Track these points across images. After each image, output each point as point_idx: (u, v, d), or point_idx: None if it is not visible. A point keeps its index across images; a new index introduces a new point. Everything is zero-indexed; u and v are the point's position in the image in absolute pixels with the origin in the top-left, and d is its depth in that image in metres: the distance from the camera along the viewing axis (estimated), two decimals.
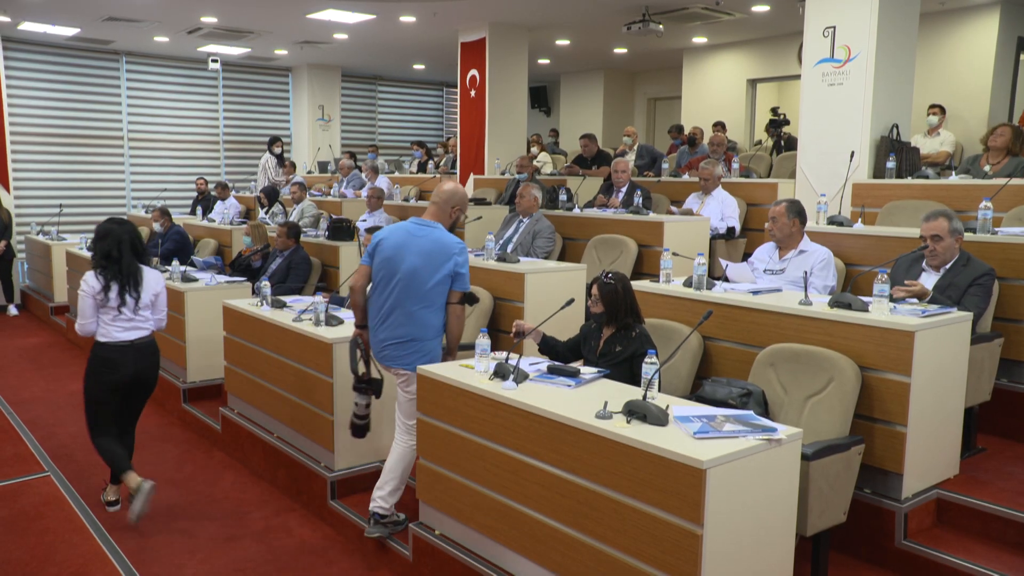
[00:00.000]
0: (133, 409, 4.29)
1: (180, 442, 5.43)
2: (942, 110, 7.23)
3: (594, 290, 3.62)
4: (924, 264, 3.98)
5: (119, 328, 4.06)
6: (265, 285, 4.97)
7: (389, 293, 3.62)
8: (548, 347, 3.85)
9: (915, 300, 3.61)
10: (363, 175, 10.01)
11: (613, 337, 3.60)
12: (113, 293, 4.02)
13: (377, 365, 3.78)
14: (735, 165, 7.34)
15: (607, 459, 2.60)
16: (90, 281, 4.04)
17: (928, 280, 3.91)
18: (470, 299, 3.78)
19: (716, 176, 6.44)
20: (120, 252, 4.05)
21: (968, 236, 4.16)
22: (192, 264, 7.16)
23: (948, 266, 3.90)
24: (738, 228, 6.36)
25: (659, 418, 2.62)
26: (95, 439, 4.19)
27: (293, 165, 11.45)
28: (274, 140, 11.20)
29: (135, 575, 3.66)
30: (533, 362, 3.39)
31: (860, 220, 5.04)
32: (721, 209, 6.33)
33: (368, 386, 3.77)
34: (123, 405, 4.20)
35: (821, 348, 3.32)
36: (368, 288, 3.75)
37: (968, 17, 8.76)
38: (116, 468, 4.14)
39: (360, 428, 3.86)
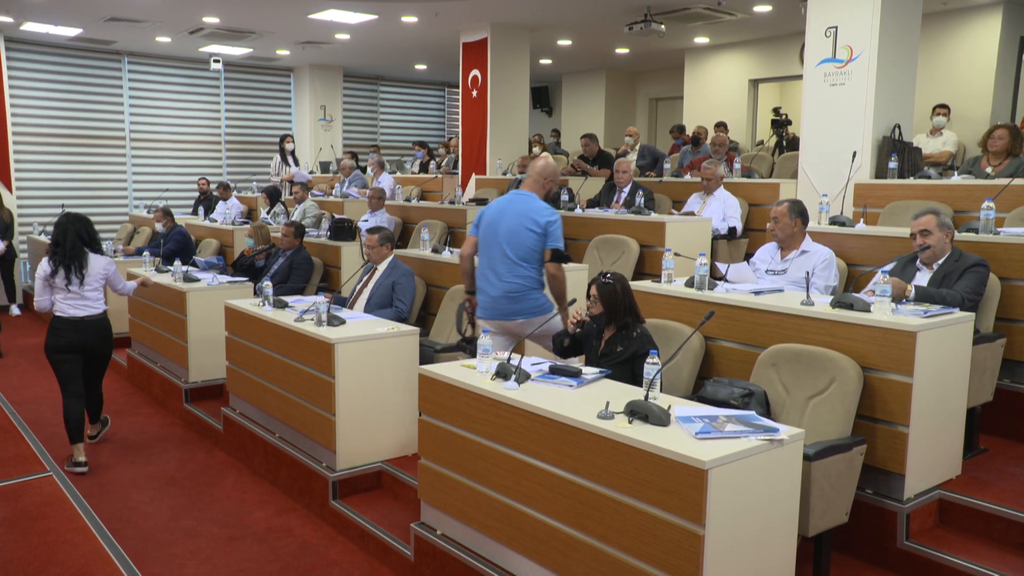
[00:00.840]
0: (93, 372, 5.05)
1: (182, 442, 5.44)
2: (947, 110, 7.21)
3: (592, 291, 3.62)
4: (918, 263, 4.00)
5: (70, 305, 4.78)
6: (267, 285, 4.97)
7: (494, 253, 4.19)
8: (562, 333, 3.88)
9: (905, 300, 3.61)
10: (369, 169, 10.01)
11: (614, 337, 3.60)
12: (60, 276, 4.73)
13: (477, 328, 4.37)
14: (737, 165, 7.34)
15: (609, 459, 2.60)
16: (43, 265, 4.79)
17: (923, 278, 3.93)
18: (561, 256, 4.18)
19: (718, 176, 6.44)
20: (64, 239, 4.74)
21: (970, 236, 4.17)
22: (194, 264, 7.17)
23: (941, 262, 3.93)
24: (739, 228, 6.36)
25: (661, 418, 2.62)
26: (63, 399, 4.90)
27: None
28: (283, 137, 11.16)
29: (137, 575, 3.66)
30: (535, 362, 3.38)
31: (862, 220, 5.04)
32: (723, 209, 6.33)
33: (469, 344, 4.41)
34: (84, 369, 4.94)
35: (823, 348, 3.31)
36: (475, 257, 4.34)
37: (970, 17, 8.75)
38: (69, 437, 4.88)
39: None
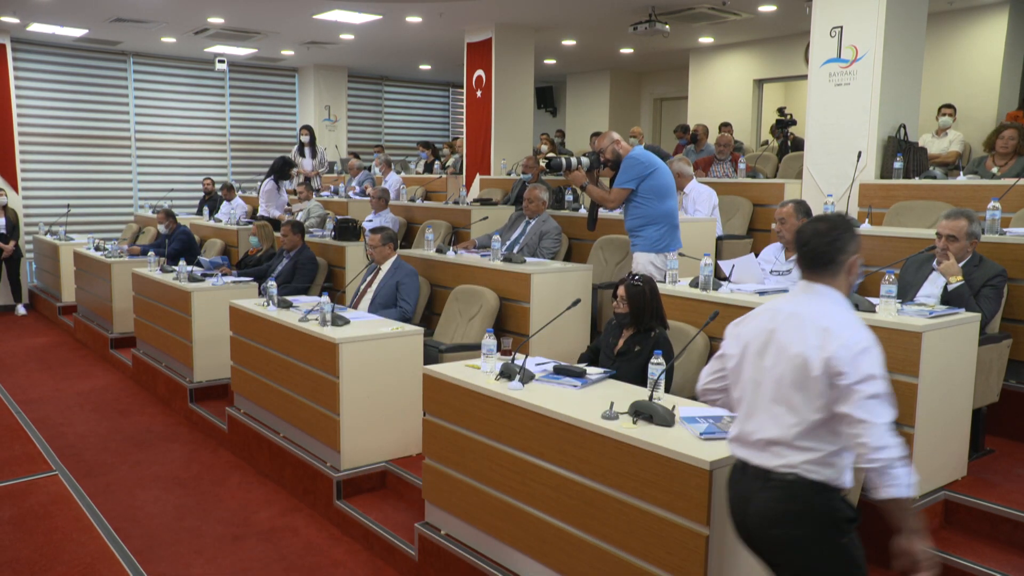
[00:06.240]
0: None
1: (187, 442, 5.45)
2: (954, 110, 7.18)
3: (620, 291, 3.63)
4: (935, 263, 3.94)
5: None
6: (271, 285, 4.98)
7: None
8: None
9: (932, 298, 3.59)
10: (376, 169, 9.99)
11: (633, 337, 3.60)
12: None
13: None
14: (741, 165, 7.32)
15: (613, 460, 2.60)
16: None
17: (939, 280, 3.86)
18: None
19: (681, 173, 6.13)
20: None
21: None
22: (199, 264, 7.18)
23: (960, 265, 3.86)
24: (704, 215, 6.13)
25: (665, 419, 2.62)
26: None
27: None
28: (300, 128, 10.79)
29: (142, 574, 3.67)
30: (539, 362, 3.38)
31: (867, 220, 5.03)
32: (694, 206, 6.21)
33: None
34: None
35: None
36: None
37: (977, 17, 8.72)
38: None
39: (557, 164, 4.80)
